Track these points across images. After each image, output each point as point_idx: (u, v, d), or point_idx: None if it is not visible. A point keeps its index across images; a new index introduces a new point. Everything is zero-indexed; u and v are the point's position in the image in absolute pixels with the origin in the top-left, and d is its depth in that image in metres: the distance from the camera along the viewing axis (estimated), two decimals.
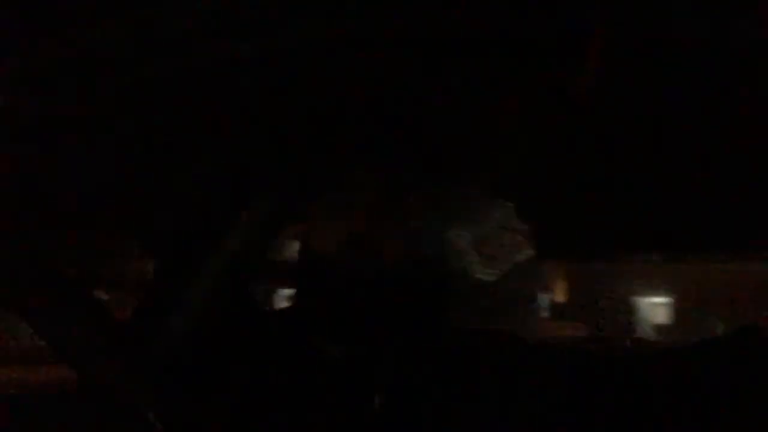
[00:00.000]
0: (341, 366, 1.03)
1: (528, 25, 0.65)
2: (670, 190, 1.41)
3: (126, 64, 0.78)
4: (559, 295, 4.89)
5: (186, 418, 1.03)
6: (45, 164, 0.98)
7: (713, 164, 1.27)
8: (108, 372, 0.98)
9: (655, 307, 5.62)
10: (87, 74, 0.80)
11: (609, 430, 1.66)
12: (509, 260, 1.12)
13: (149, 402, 0.99)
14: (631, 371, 1.94)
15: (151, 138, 1.24)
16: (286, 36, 0.74)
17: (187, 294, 1.42)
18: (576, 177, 1.34)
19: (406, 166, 1.17)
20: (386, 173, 1.15)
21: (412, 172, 1.16)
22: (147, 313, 1.43)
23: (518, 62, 0.75)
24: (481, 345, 1.16)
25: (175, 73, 0.83)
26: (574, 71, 0.63)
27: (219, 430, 0.97)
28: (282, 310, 1.18)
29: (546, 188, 1.36)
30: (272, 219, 1.56)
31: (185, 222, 1.60)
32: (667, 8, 0.67)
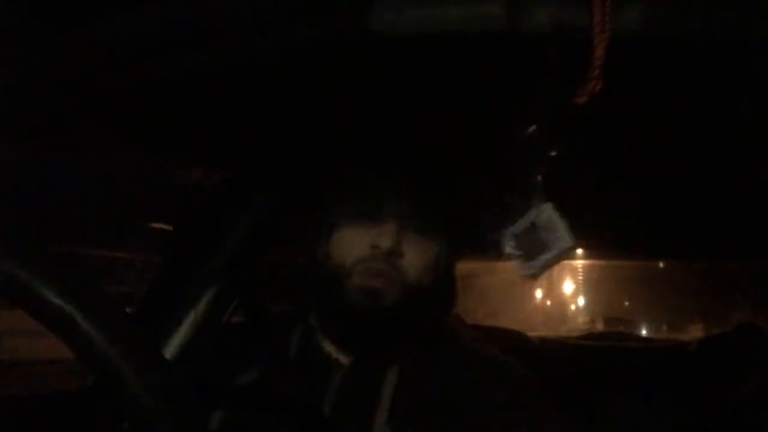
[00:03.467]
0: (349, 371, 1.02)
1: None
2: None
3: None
4: None
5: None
6: None
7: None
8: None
9: None
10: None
11: (610, 427, 1.67)
12: None
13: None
14: (632, 369, 1.95)
15: (152, 136, 1.24)
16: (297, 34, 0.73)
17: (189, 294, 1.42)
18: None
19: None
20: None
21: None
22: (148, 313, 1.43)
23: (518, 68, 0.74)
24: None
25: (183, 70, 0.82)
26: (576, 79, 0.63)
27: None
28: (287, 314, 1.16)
29: None
30: (272, 218, 1.55)
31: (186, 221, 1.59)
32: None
